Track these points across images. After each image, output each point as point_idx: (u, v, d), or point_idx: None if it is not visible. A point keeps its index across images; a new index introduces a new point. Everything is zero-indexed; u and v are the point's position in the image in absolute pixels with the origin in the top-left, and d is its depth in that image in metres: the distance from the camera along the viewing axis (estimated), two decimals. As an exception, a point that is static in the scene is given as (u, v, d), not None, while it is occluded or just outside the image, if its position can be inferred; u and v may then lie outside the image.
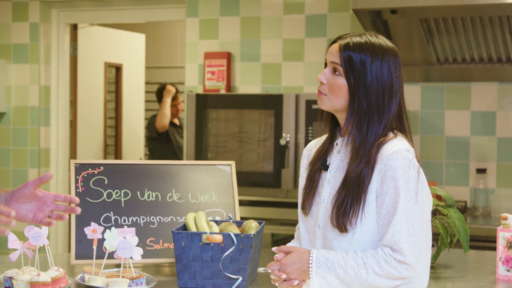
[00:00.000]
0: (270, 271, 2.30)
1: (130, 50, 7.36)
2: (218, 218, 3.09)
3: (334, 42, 2.36)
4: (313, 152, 2.49)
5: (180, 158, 6.41)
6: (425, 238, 2.33)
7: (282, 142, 4.84)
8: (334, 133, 2.42)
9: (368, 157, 2.26)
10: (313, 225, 2.40)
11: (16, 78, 6.02)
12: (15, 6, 6.00)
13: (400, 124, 2.35)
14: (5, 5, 6.02)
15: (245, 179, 4.94)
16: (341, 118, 2.36)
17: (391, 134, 2.31)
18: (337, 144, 2.39)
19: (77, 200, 2.27)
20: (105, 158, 6.92)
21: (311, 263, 2.25)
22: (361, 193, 2.25)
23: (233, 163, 3.23)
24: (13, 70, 6.02)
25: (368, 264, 2.21)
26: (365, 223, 2.25)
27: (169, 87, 7.14)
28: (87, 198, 3.02)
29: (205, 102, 5.11)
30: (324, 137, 2.48)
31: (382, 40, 2.34)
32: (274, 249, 2.33)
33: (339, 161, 2.36)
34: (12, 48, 6.02)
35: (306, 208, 2.42)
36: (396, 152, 2.25)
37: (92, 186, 3.05)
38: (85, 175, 3.07)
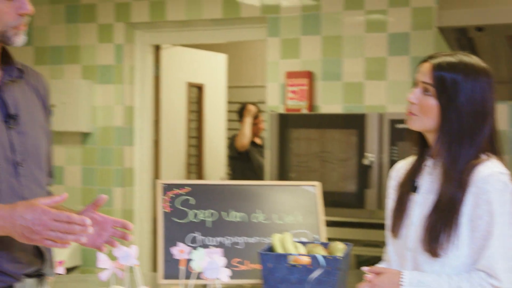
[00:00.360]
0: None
1: (211, 70, 7.43)
2: (303, 239, 3.07)
3: (424, 61, 2.32)
4: (401, 173, 2.46)
5: (261, 178, 6.41)
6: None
7: (366, 161, 4.80)
8: (423, 154, 2.38)
9: (460, 180, 2.21)
10: (403, 247, 2.36)
11: (101, 99, 6.14)
12: (101, 28, 6.13)
13: (492, 146, 2.30)
14: (91, 27, 6.16)
15: (327, 199, 4.86)
16: (431, 138, 2.32)
17: (483, 156, 2.26)
18: (427, 165, 2.35)
19: (130, 226, 2.29)
20: (188, 177, 6.99)
21: (403, 285, 2.21)
22: (453, 217, 2.20)
23: (318, 184, 3.21)
24: (98, 91, 6.15)
25: (462, 289, 2.16)
26: (457, 248, 2.20)
27: (250, 106, 7.17)
28: (173, 218, 3.05)
29: (286, 122, 5.10)
30: (411, 158, 2.44)
31: (474, 60, 2.30)
32: (365, 269, 2.31)
33: (429, 183, 2.32)
34: (97, 69, 6.15)
35: (395, 230, 2.39)
36: (491, 175, 2.19)
37: (178, 206, 3.07)
38: (172, 195, 3.09)
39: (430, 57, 2.31)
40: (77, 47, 6.20)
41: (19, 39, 2.26)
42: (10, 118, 2.25)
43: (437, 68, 2.26)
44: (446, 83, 2.25)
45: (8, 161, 2.21)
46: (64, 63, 6.24)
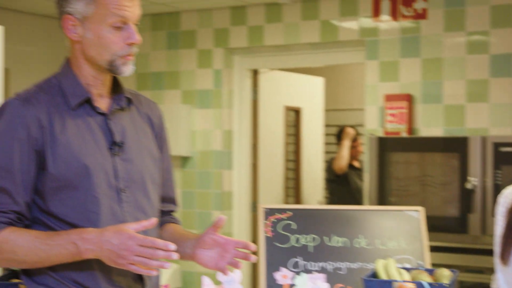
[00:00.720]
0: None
1: (309, 93, 7.44)
2: (407, 265, 3.02)
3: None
4: (510, 199, 2.40)
5: (359, 201, 6.35)
6: None
7: (468, 185, 4.69)
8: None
9: None
10: (513, 276, 2.30)
11: (201, 123, 6.23)
12: (200, 54, 6.23)
13: None
14: (191, 53, 6.27)
15: (429, 224, 4.80)
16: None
17: None
18: (538, 191, 2.29)
19: (253, 247, 2.26)
20: (285, 200, 6.99)
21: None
22: None
23: (422, 209, 3.16)
24: (197, 115, 6.24)
25: None
26: None
27: (348, 129, 7.13)
28: (275, 243, 3.04)
29: (386, 145, 5.05)
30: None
31: None
32: None
33: (540, 209, 2.25)
34: (196, 94, 6.25)
35: (505, 257, 2.33)
36: None
37: (280, 231, 3.07)
38: (274, 219, 3.10)
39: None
40: (177, 72, 6.32)
41: (127, 69, 2.29)
42: (115, 145, 2.28)
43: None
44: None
45: (111, 187, 2.24)
46: (164, 88, 6.37)
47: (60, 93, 2.26)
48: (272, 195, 6.77)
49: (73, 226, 2.18)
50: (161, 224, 2.49)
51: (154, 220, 2.16)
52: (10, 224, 2.17)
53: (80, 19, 2.23)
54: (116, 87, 2.37)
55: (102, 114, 2.30)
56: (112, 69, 2.28)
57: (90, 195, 2.20)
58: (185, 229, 2.48)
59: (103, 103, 2.32)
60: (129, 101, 2.38)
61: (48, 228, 2.20)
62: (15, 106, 2.20)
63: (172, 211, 2.55)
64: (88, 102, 2.28)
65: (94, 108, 2.28)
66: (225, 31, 6.13)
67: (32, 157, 2.18)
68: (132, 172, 2.30)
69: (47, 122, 2.20)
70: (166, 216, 2.53)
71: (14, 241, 2.14)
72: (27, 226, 2.21)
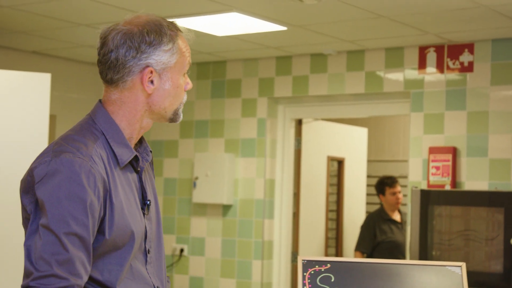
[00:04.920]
0: None
1: (352, 143, 7.42)
2: (448, 323, 2.95)
3: None
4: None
5: (400, 256, 6.25)
6: None
7: (513, 241, 4.61)
8: None
9: None
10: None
11: (243, 171, 6.24)
12: (245, 103, 6.27)
13: None
14: (236, 102, 6.31)
15: (472, 279, 4.73)
16: None
17: None
18: None
19: None
20: (326, 251, 6.93)
21: None
22: None
23: (463, 264, 3.10)
24: (240, 164, 6.25)
25: None
26: None
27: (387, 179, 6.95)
28: (314, 296, 3.01)
29: (429, 198, 5.00)
30: None
31: None
32: None
33: None
34: (240, 143, 6.27)
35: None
36: None
37: (319, 284, 3.03)
38: (312, 272, 3.06)
39: None
40: (221, 121, 6.36)
41: (181, 116, 2.27)
42: (145, 205, 2.19)
43: None
44: None
45: (141, 250, 2.16)
46: (208, 137, 6.40)
47: (108, 148, 2.11)
48: (313, 245, 6.72)
49: None
50: None
51: None
52: None
53: (159, 71, 2.13)
54: (139, 141, 2.26)
55: (137, 171, 2.20)
56: (174, 118, 2.23)
57: (127, 260, 2.09)
58: None
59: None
60: (152, 153, 2.30)
61: None
62: (82, 163, 1.99)
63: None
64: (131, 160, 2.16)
65: (133, 166, 2.18)
66: (270, 81, 6.17)
67: (97, 223, 2.02)
68: (153, 231, 2.22)
69: (107, 183, 2.04)
70: None
71: None
72: None
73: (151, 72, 2.12)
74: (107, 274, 2.06)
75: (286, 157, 6.29)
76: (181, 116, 2.26)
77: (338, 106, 6.09)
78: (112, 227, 2.04)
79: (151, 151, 2.29)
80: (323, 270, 3.10)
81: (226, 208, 6.27)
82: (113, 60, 2.12)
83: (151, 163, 2.35)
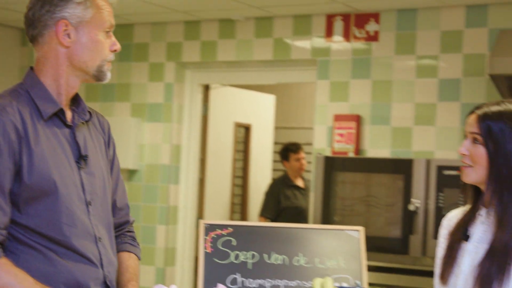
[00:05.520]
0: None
1: (259, 110, 7.45)
2: (345, 285, 3.02)
3: (471, 112, 2.34)
4: (453, 222, 2.44)
5: (303, 221, 6.34)
6: None
7: (411, 207, 4.74)
8: (477, 203, 2.36)
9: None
10: (451, 296, 2.34)
11: (150, 137, 6.19)
12: (152, 67, 6.21)
13: None
14: (143, 66, 6.24)
15: (372, 244, 4.84)
16: (484, 187, 2.31)
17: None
18: (480, 215, 2.33)
19: None
20: (231, 216, 6.97)
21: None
22: (506, 264, 2.18)
23: (362, 228, 3.17)
24: (147, 129, 6.20)
25: None
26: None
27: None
28: (215, 259, 3.02)
29: (333, 165, 5.07)
30: (464, 208, 2.43)
31: (522, 106, 2.29)
32: None
33: (482, 232, 2.30)
34: (147, 107, 6.21)
35: (444, 278, 2.37)
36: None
37: (220, 247, 3.05)
38: (214, 235, 3.08)
39: (476, 108, 2.34)
40: (127, 85, 6.28)
41: (109, 76, 2.34)
42: (81, 159, 2.30)
43: (483, 118, 2.29)
44: (493, 132, 2.26)
45: (81, 200, 2.28)
46: (114, 101, 6.32)
47: (31, 103, 2.24)
48: (218, 210, 6.75)
49: (47, 238, 2.20)
50: (121, 244, 2.53)
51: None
52: (2, 243, 2.16)
53: (74, 24, 2.25)
54: (75, 101, 2.38)
55: (68, 126, 2.31)
56: (98, 75, 2.31)
57: (65, 207, 2.22)
58: (135, 268, 2.49)
59: (67, 115, 2.33)
60: (91, 115, 2.41)
61: (20, 243, 2.19)
62: None
63: (128, 221, 2.61)
64: (57, 113, 2.28)
65: (62, 120, 2.29)
66: (178, 45, 6.12)
67: (11, 167, 2.16)
68: (95, 186, 2.34)
69: (23, 131, 2.18)
70: (124, 234, 2.57)
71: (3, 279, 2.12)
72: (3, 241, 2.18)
73: (66, 25, 2.24)
74: (38, 220, 2.19)
75: (193, 122, 6.27)
76: (108, 75, 2.34)
77: (246, 72, 6.10)
78: (32, 172, 2.17)
79: (89, 112, 2.40)
80: (225, 234, 3.11)
81: (131, 173, 6.22)
82: (31, 17, 2.27)
83: (104, 128, 2.48)
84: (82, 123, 2.36)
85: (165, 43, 6.17)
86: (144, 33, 6.24)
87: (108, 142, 2.50)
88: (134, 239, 2.62)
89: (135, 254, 2.58)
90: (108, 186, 2.42)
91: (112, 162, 2.51)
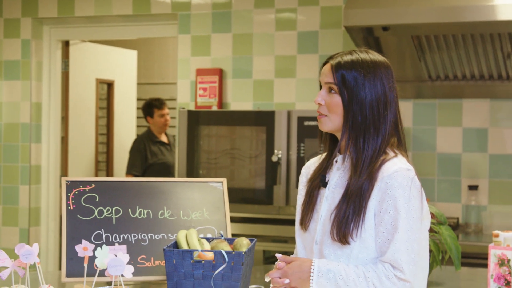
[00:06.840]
0: (270, 279, 2.31)
1: (121, 66, 7.36)
2: (209, 236, 3.07)
3: (325, 63, 2.39)
4: (312, 170, 2.51)
5: (171, 176, 6.37)
6: (423, 256, 2.34)
7: (274, 158, 4.84)
8: (333, 150, 2.43)
9: (369, 172, 2.28)
10: (310, 241, 2.41)
11: (7, 95, 6.01)
12: (7, 23, 6.00)
13: (397, 136, 2.36)
14: (-3, 21, 6.02)
15: (237, 196, 4.93)
16: (340, 135, 2.38)
17: (391, 153, 2.33)
18: (336, 161, 2.40)
19: None
20: (96, 174, 6.90)
21: (312, 272, 2.26)
22: (362, 205, 2.27)
23: (224, 180, 3.22)
24: (4, 87, 6.01)
25: (369, 278, 2.22)
26: (363, 239, 2.26)
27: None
28: (78, 216, 3.00)
29: (197, 119, 5.10)
30: (322, 156, 2.50)
31: (372, 54, 2.37)
32: (278, 255, 2.35)
33: (338, 178, 2.38)
34: (3, 65, 6.01)
35: (304, 224, 2.44)
36: (397, 171, 2.26)
37: (83, 204, 3.03)
38: (76, 192, 3.05)
39: (330, 58, 2.39)
40: (-18, 41, 6.05)
41: None
42: None
43: (337, 67, 2.34)
44: (347, 80, 2.32)
45: None
46: (-32, 58, 6.08)
47: None
48: (83, 168, 6.66)
49: None
50: None
51: None
52: None
53: None
54: None
55: None
56: None
57: None
58: None
59: None
60: None
61: None
62: None
63: None
64: None
65: None
66: (33, 0, 5.93)
67: None
68: None
69: None
70: None
71: None
72: None
73: None
74: None
75: (53, 80, 6.13)
76: None
77: (106, 27, 6.00)
78: None
79: None
80: (87, 190, 3.09)
81: (-10, 133, 6.03)
82: None
83: None
84: None
85: (20, -2, 5.97)
86: (-2, -13, 6.02)
87: None
88: None
89: None
90: None
91: None
